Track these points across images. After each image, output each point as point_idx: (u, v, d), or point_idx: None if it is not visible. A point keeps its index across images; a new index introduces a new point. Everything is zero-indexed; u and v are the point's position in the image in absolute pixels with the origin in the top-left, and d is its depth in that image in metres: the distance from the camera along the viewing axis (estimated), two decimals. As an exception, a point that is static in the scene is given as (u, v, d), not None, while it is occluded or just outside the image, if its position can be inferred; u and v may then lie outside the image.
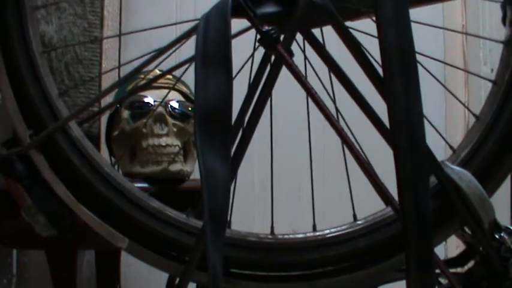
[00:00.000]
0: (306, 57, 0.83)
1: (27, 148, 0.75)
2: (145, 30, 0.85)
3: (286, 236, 0.80)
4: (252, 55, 0.80)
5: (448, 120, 1.85)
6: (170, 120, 1.15)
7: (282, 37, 0.73)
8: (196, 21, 0.71)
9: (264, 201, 1.71)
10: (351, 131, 0.76)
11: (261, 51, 0.76)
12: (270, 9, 0.74)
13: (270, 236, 0.80)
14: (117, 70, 1.60)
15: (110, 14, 1.64)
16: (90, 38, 1.52)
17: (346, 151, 0.74)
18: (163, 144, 1.14)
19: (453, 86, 1.84)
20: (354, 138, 0.75)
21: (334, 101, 0.82)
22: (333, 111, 0.74)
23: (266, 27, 0.73)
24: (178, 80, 1.16)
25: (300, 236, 0.79)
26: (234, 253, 0.77)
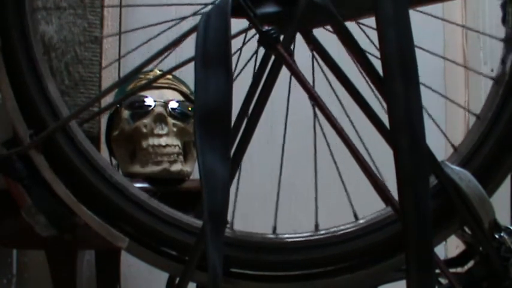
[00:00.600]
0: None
1: (27, 148, 0.75)
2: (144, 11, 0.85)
3: (284, 236, 0.80)
4: (240, 49, 0.80)
5: (448, 120, 1.84)
6: (170, 120, 1.15)
7: (282, 37, 0.73)
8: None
9: (264, 201, 1.70)
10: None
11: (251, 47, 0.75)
12: (270, 9, 0.74)
13: (267, 236, 0.80)
14: (117, 71, 1.60)
15: (110, 13, 1.64)
16: (91, 37, 1.52)
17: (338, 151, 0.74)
18: (163, 144, 1.14)
19: (453, 86, 1.84)
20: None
21: (313, 106, 0.82)
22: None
23: (266, 27, 0.73)
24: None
25: (299, 236, 0.79)
26: (233, 253, 0.77)
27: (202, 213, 0.64)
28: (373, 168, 0.74)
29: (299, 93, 0.77)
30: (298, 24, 0.74)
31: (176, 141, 1.15)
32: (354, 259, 0.78)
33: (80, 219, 0.76)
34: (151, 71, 1.16)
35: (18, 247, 1.39)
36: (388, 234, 0.78)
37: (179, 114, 1.17)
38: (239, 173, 0.79)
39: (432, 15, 0.84)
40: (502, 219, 0.79)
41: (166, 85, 1.19)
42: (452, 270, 0.82)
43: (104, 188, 0.77)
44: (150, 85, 1.12)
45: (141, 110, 1.15)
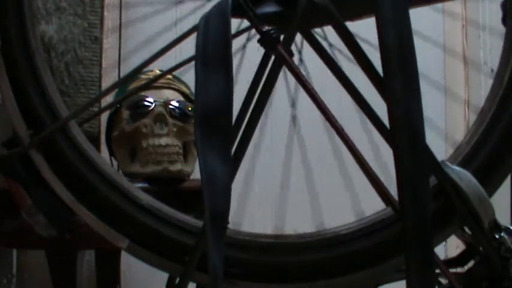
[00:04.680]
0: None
1: (27, 148, 0.75)
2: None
3: (284, 237, 0.80)
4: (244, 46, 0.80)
5: (448, 120, 1.85)
6: (170, 120, 1.15)
7: (282, 37, 0.73)
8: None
9: (264, 201, 1.70)
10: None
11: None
12: (270, 9, 0.74)
13: (268, 236, 0.80)
14: (117, 71, 1.60)
15: (110, 13, 1.64)
16: (91, 37, 1.52)
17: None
18: (164, 144, 1.14)
19: (453, 84, 1.84)
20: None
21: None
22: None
23: (266, 27, 0.73)
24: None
25: (299, 236, 0.79)
26: (234, 253, 0.77)
27: (203, 213, 0.64)
28: (373, 168, 0.74)
29: (301, 94, 0.77)
30: (298, 24, 0.74)
31: (176, 141, 1.15)
32: (354, 259, 0.78)
33: (80, 219, 0.76)
34: (151, 71, 1.16)
35: (18, 247, 1.39)
36: (388, 235, 0.78)
37: (179, 114, 1.17)
38: (245, 174, 0.79)
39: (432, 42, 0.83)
40: (502, 219, 0.79)
41: (166, 85, 1.19)
42: (452, 270, 0.82)
43: (104, 188, 0.77)
44: (150, 85, 1.12)
45: (141, 110, 1.15)
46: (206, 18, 0.70)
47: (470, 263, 0.82)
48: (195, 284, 0.79)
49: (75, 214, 0.76)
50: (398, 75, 0.66)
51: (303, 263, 0.78)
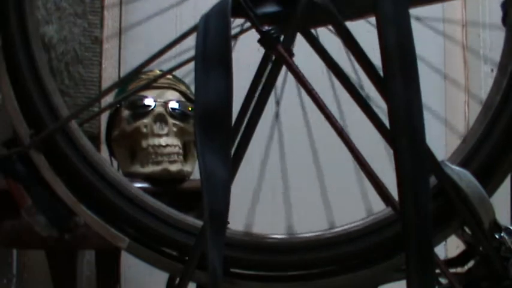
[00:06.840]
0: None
1: (28, 148, 0.75)
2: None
3: (285, 237, 0.80)
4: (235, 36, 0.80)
5: (448, 120, 1.85)
6: (170, 120, 1.15)
7: (282, 37, 0.73)
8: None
9: (263, 201, 1.70)
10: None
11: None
12: (270, 9, 0.74)
13: (268, 236, 0.80)
14: (117, 71, 1.60)
15: (110, 13, 1.64)
16: (91, 37, 1.53)
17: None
18: (164, 144, 1.14)
19: (453, 86, 1.84)
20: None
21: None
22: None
23: (266, 27, 0.73)
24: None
25: (299, 236, 0.79)
26: (233, 253, 0.77)
27: (203, 213, 0.64)
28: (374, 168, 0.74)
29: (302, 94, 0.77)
30: (299, 24, 0.74)
31: (176, 141, 1.15)
32: (354, 259, 0.78)
33: (80, 219, 0.76)
34: (151, 71, 1.16)
35: (18, 247, 1.39)
36: (388, 235, 0.78)
37: (179, 114, 1.17)
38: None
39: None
40: (502, 219, 0.79)
41: (166, 85, 1.19)
42: (452, 270, 0.82)
43: (104, 188, 0.77)
44: (150, 85, 1.12)
45: (141, 110, 1.16)
46: (206, 18, 0.70)
47: (470, 263, 0.82)
48: (195, 284, 0.79)
49: (75, 214, 0.76)
50: (399, 75, 0.66)
51: (303, 262, 0.78)
